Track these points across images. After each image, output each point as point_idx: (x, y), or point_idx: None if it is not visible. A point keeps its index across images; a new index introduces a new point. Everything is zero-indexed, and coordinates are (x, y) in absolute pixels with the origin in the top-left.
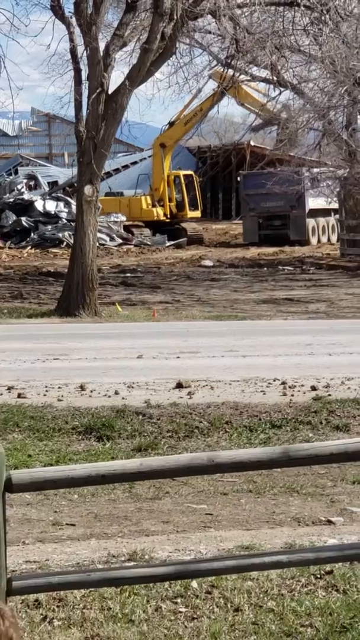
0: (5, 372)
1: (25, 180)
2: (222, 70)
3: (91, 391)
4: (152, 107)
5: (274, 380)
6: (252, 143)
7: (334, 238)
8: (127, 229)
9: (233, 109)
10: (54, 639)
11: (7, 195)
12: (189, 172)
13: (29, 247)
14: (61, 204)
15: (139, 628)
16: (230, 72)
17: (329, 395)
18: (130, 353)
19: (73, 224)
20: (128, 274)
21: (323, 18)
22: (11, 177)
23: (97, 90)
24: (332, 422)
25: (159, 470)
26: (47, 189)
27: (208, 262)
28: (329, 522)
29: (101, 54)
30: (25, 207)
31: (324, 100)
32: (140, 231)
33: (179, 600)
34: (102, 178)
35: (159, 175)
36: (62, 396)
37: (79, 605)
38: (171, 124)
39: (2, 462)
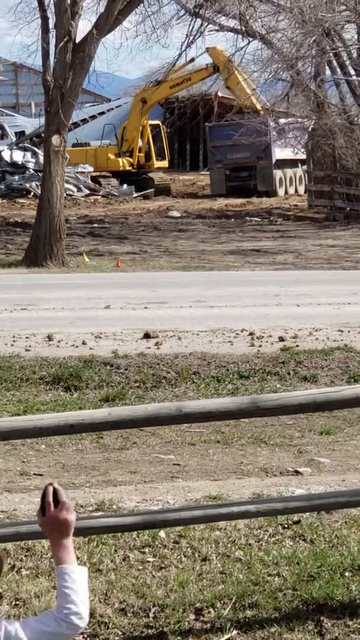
0: None
1: None
2: (220, 48)
3: (59, 341)
4: (120, 56)
5: (242, 331)
6: (219, 94)
7: (301, 189)
8: (94, 179)
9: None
10: (22, 588)
11: None
12: (156, 122)
13: None
14: (28, 154)
15: (107, 577)
16: (196, 23)
17: (297, 346)
18: (98, 303)
19: (40, 174)
20: (95, 225)
21: None
22: None
23: (65, 39)
24: (300, 373)
25: (127, 420)
26: (14, 138)
27: (175, 213)
28: (297, 472)
29: (68, 1)
30: None
31: (293, 50)
32: (108, 182)
33: (146, 550)
34: (69, 128)
35: (132, 127)
36: (30, 346)
37: (46, 554)
38: (158, 82)
39: None
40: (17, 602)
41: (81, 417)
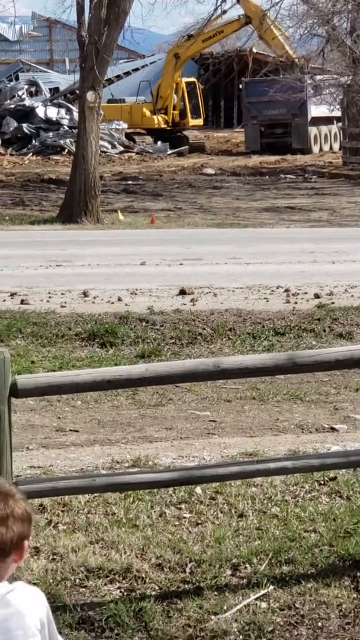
0: (8, 279)
1: (26, 87)
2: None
3: (94, 298)
4: (155, 12)
5: (277, 288)
6: (254, 50)
7: (336, 146)
8: (128, 136)
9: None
10: (59, 543)
11: (8, 101)
12: (192, 79)
13: (30, 154)
14: (62, 111)
15: (144, 533)
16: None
17: (332, 303)
18: (133, 260)
19: (75, 131)
20: (130, 182)
21: None
22: (12, 83)
23: None
24: (336, 329)
25: (164, 376)
26: (48, 95)
27: (210, 170)
28: (333, 429)
29: None
30: (26, 114)
31: (328, 5)
32: (142, 139)
33: (183, 506)
34: (104, 85)
35: (167, 84)
36: (65, 303)
37: (83, 510)
38: (190, 36)
39: (7, 367)
40: (55, 557)
41: (118, 372)
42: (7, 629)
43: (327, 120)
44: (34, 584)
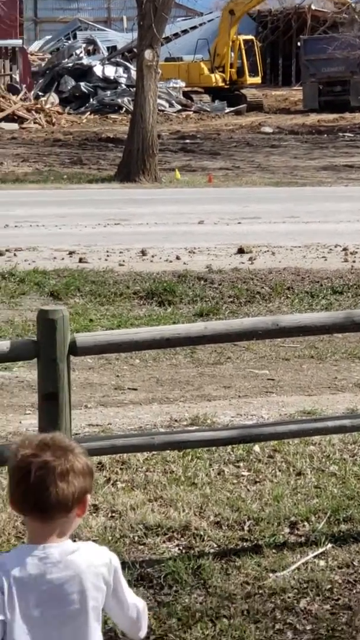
0: (67, 237)
1: (84, 45)
2: None
3: (152, 256)
4: None
5: (335, 247)
6: (313, 7)
7: None
8: (186, 95)
9: None
10: (118, 501)
11: (66, 60)
12: (249, 37)
13: (88, 112)
14: (120, 69)
15: (202, 491)
16: None
17: None
18: (191, 219)
19: (132, 89)
20: (187, 141)
21: None
22: (70, 42)
23: None
24: None
25: (224, 334)
26: (106, 53)
27: (267, 129)
28: None
29: None
30: (84, 73)
31: None
32: (200, 97)
33: (241, 464)
34: (162, 43)
35: (223, 42)
36: (124, 261)
37: (142, 468)
38: None
39: (66, 325)
40: (113, 514)
41: (177, 331)
42: (66, 593)
43: None
44: (93, 541)
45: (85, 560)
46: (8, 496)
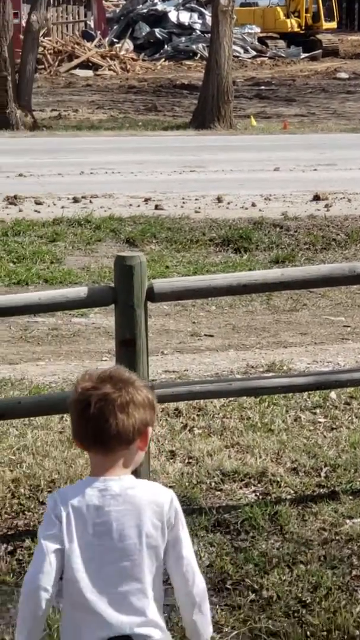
0: (143, 184)
1: None
2: None
3: (228, 203)
4: None
5: None
6: None
7: None
8: (261, 40)
9: None
10: (195, 447)
11: (140, 6)
12: None
13: (163, 59)
14: (195, 15)
15: (279, 437)
16: None
17: None
18: (267, 165)
19: (207, 35)
20: (262, 87)
21: None
22: None
23: None
24: None
25: (300, 281)
26: None
27: (343, 75)
28: None
29: None
30: (158, 19)
31: None
32: (275, 43)
33: (317, 410)
34: None
35: None
36: (199, 208)
37: (218, 414)
38: None
39: (144, 271)
40: (190, 460)
41: (254, 277)
42: (123, 527)
43: None
44: (170, 486)
45: (145, 496)
46: (72, 432)
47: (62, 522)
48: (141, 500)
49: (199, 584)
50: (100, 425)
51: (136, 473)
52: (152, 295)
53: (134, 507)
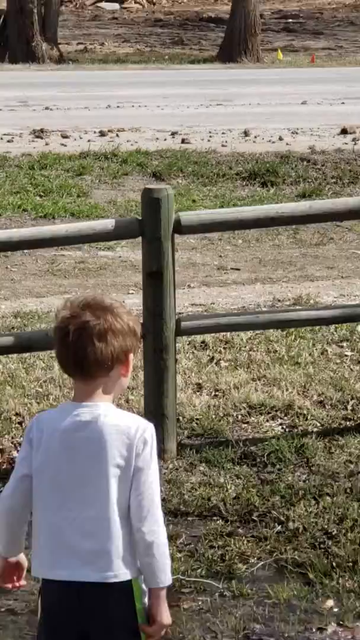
0: (169, 118)
1: None
2: None
3: (255, 137)
4: None
5: None
6: None
7: None
8: None
9: None
10: (221, 380)
11: None
12: None
13: None
14: None
15: (305, 370)
16: None
17: None
18: (294, 99)
19: None
20: (290, 20)
21: None
22: None
23: None
24: None
25: (328, 213)
26: None
27: None
28: None
29: None
30: None
31: None
32: None
33: (344, 344)
34: None
35: None
36: (226, 142)
37: (245, 347)
38: None
39: (171, 204)
40: (217, 393)
41: (282, 209)
42: (88, 453)
43: None
44: (197, 419)
45: (114, 424)
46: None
47: (33, 445)
48: (110, 428)
49: (151, 525)
50: (79, 353)
51: (162, 405)
52: (179, 228)
53: (101, 434)
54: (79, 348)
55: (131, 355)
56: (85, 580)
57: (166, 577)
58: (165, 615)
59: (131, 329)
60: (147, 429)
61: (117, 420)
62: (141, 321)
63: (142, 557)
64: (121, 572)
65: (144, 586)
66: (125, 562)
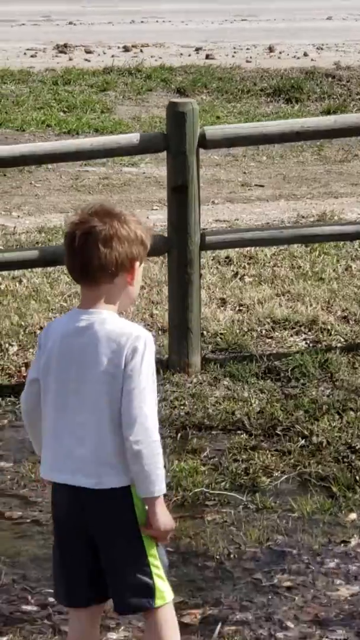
0: (193, 33)
1: None
2: None
3: (280, 53)
4: None
5: None
6: None
7: None
8: None
9: None
10: (245, 295)
11: None
12: None
13: None
14: None
15: (329, 286)
16: None
17: None
18: (319, 14)
19: None
20: None
21: None
22: None
23: None
24: None
25: (354, 127)
26: None
27: None
28: None
29: None
30: None
31: None
32: None
33: None
34: None
35: None
36: (251, 58)
37: (269, 263)
38: None
39: (196, 118)
40: (241, 308)
41: (307, 124)
42: (82, 358)
43: None
44: (221, 333)
45: (107, 331)
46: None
47: (41, 350)
48: (103, 335)
49: (138, 434)
50: (84, 258)
51: (186, 319)
52: (204, 142)
53: (94, 341)
54: (84, 253)
55: (137, 264)
56: (79, 485)
57: (155, 488)
58: (160, 522)
59: (138, 237)
60: (139, 337)
61: (112, 327)
62: (166, 235)
63: (131, 466)
64: (110, 479)
65: None
66: (115, 469)
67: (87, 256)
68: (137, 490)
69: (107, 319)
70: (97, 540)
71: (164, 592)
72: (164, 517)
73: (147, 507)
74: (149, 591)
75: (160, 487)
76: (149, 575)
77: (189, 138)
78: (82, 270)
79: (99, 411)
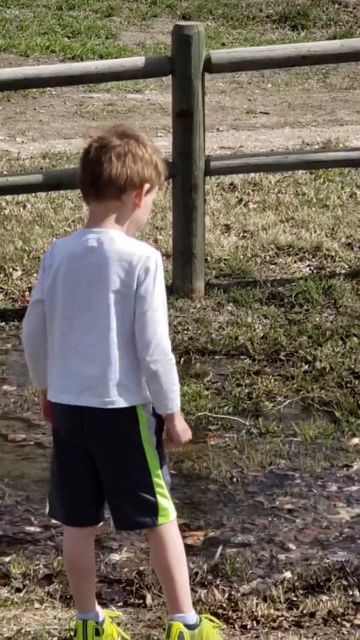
0: None
1: None
2: None
3: None
4: None
5: None
6: None
7: None
8: None
9: None
10: (249, 221)
11: None
12: None
13: None
14: None
15: (334, 213)
16: None
17: None
18: None
19: None
20: None
21: None
22: None
23: None
24: None
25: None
26: None
27: None
28: None
29: None
30: None
31: None
32: None
33: None
34: None
35: None
36: None
37: (273, 189)
38: None
39: (201, 41)
40: (245, 234)
41: (313, 48)
42: (90, 278)
43: None
44: (225, 259)
45: (117, 250)
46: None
47: (45, 271)
48: (113, 254)
49: (154, 354)
50: (95, 170)
51: (190, 245)
52: (210, 66)
53: (104, 260)
54: (96, 164)
55: (147, 186)
56: (85, 405)
57: (173, 404)
58: (181, 435)
59: (152, 160)
60: (150, 257)
61: (122, 247)
62: (170, 160)
63: (149, 386)
64: (119, 399)
65: (150, 416)
66: (125, 389)
67: (99, 167)
68: (156, 408)
69: (116, 238)
70: (98, 459)
71: (168, 509)
72: (183, 430)
73: (166, 423)
74: (153, 509)
75: (177, 402)
76: (153, 493)
77: (195, 62)
78: (92, 182)
79: (108, 331)
